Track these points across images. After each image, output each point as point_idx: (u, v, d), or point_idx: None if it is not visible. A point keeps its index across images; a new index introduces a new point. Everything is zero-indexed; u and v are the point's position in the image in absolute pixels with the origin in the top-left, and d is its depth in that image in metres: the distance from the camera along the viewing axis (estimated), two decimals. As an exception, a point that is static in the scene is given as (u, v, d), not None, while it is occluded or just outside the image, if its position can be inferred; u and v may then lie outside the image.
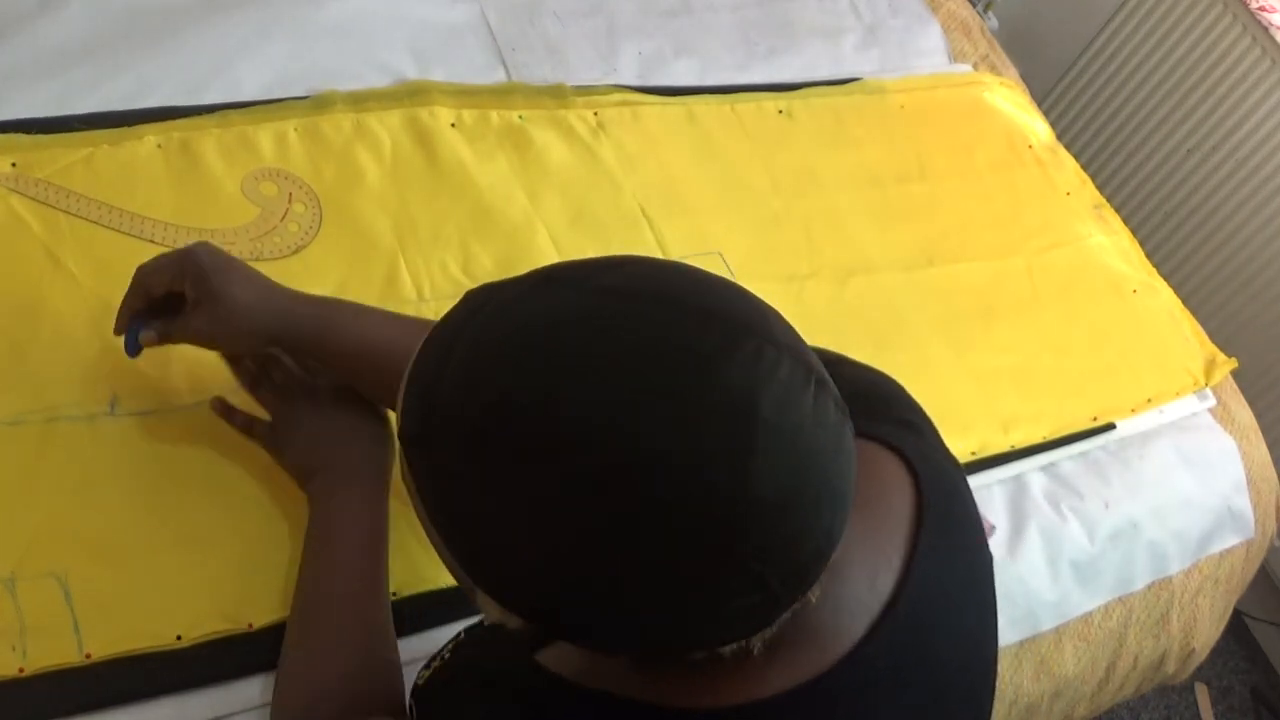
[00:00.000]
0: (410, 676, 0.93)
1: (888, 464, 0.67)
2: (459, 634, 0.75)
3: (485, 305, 0.54)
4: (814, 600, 0.54)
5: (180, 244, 1.08)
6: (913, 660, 0.61)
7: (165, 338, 0.92)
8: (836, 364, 0.73)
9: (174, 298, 0.90)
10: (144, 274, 0.91)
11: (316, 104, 1.24)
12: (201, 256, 0.89)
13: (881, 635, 0.59)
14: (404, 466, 0.55)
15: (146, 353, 0.93)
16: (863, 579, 0.60)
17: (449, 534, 0.54)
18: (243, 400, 1.00)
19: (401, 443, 0.55)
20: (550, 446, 0.49)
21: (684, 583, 0.49)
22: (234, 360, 0.99)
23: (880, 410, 0.72)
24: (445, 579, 0.98)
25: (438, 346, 0.54)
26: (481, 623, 0.75)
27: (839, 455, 0.52)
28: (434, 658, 0.74)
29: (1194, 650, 1.44)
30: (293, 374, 0.98)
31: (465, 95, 1.33)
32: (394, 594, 0.95)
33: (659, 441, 0.48)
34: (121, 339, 0.93)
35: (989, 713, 0.71)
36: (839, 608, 0.58)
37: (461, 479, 0.51)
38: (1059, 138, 1.73)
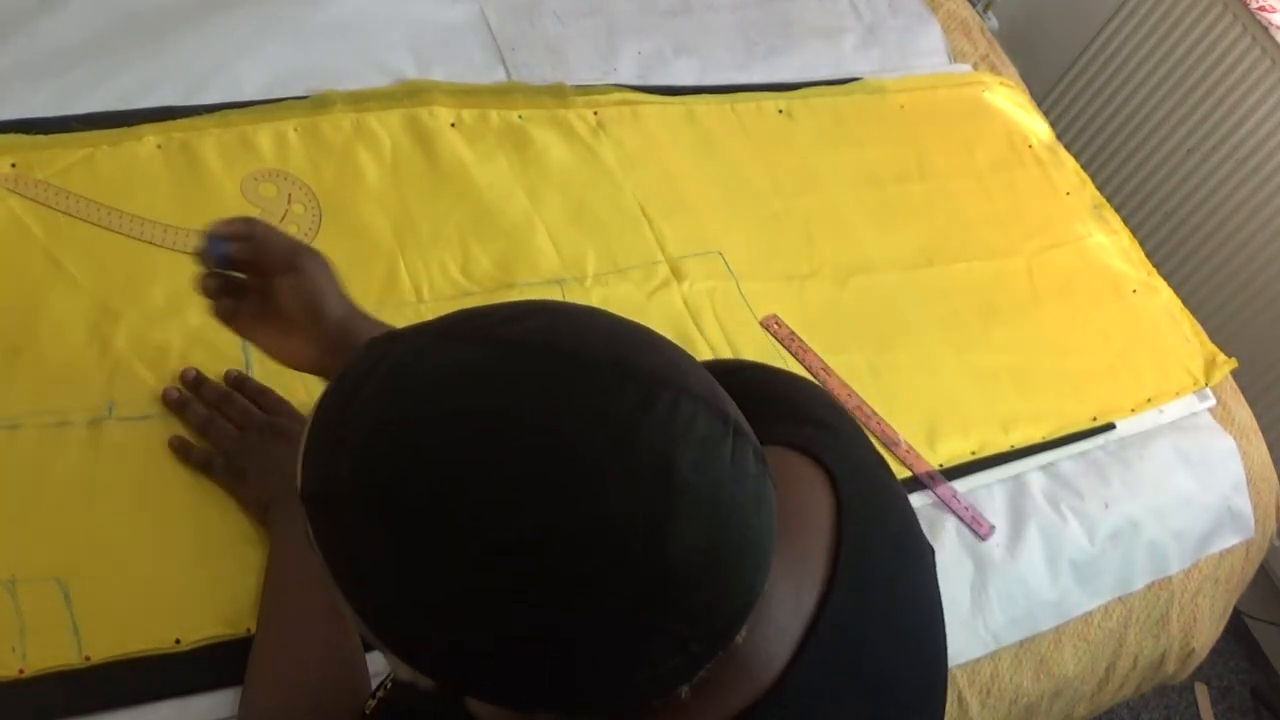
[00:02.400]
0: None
1: (801, 469, 0.64)
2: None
3: (382, 361, 0.51)
4: (740, 640, 0.52)
5: (180, 245, 1.08)
6: (846, 673, 0.59)
7: (234, 305, 0.88)
8: (737, 370, 0.72)
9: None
10: (263, 232, 0.87)
11: (316, 104, 1.24)
12: (312, 250, 0.89)
13: (809, 653, 0.57)
14: (305, 522, 0.53)
15: (147, 354, 0.93)
16: (787, 599, 0.57)
17: (350, 592, 0.51)
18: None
19: (302, 499, 0.52)
20: (448, 524, 0.46)
21: (597, 652, 0.47)
22: (181, 405, 0.97)
23: (787, 413, 0.69)
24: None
25: (335, 409, 0.51)
26: None
27: (760, 509, 0.49)
28: (379, 686, 0.73)
29: (1194, 650, 1.44)
30: (249, 411, 0.97)
31: (465, 95, 1.33)
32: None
33: (567, 518, 0.45)
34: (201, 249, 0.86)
35: (942, 709, 0.69)
36: (766, 636, 0.56)
37: (361, 543, 0.49)
38: (1059, 138, 1.73)
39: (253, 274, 0.87)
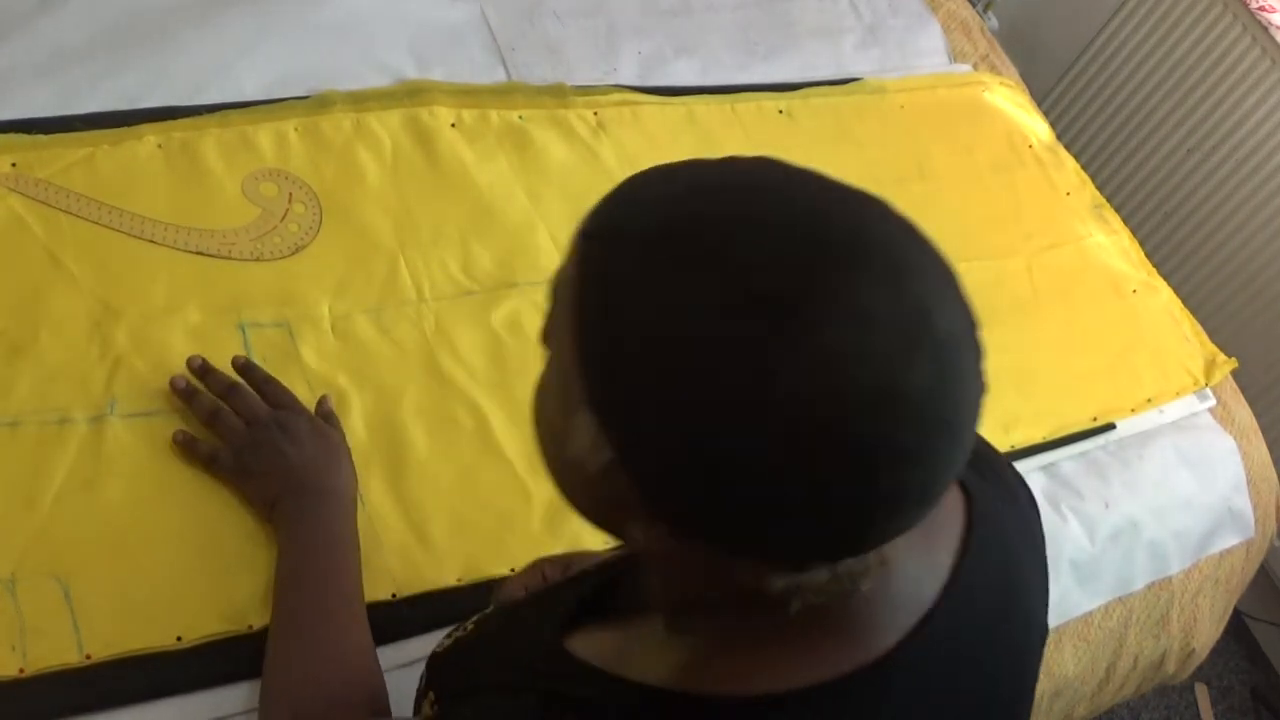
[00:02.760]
0: (410, 678, 0.94)
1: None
2: (488, 608, 0.74)
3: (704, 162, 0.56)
4: (864, 588, 0.53)
5: (181, 244, 1.08)
6: (950, 665, 0.60)
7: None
8: None
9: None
10: (505, 593, 0.89)
11: (317, 104, 1.24)
12: (555, 556, 0.92)
13: (923, 637, 0.58)
14: (567, 265, 0.53)
15: (148, 351, 0.94)
16: (909, 579, 0.58)
17: (592, 340, 0.50)
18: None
19: (584, 237, 0.53)
20: (723, 266, 0.48)
21: (808, 434, 0.46)
22: (189, 393, 0.98)
23: None
24: (445, 579, 0.98)
25: (661, 166, 0.56)
26: (515, 609, 0.74)
27: (974, 416, 0.51)
28: (456, 627, 0.73)
29: (1194, 650, 1.44)
30: (256, 406, 0.98)
31: (465, 95, 1.33)
32: (393, 595, 0.96)
33: (828, 287, 0.47)
34: None
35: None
36: (884, 604, 0.57)
37: (629, 282, 0.49)
38: (1059, 138, 1.73)
39: None
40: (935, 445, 0.49)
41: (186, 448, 0.95)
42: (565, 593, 0.71)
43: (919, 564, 0.59)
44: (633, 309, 0.49)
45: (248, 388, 0.99)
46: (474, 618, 0.73)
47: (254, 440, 0.95)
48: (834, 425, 0.46)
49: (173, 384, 0.98)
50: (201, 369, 0.99)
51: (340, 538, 0.91)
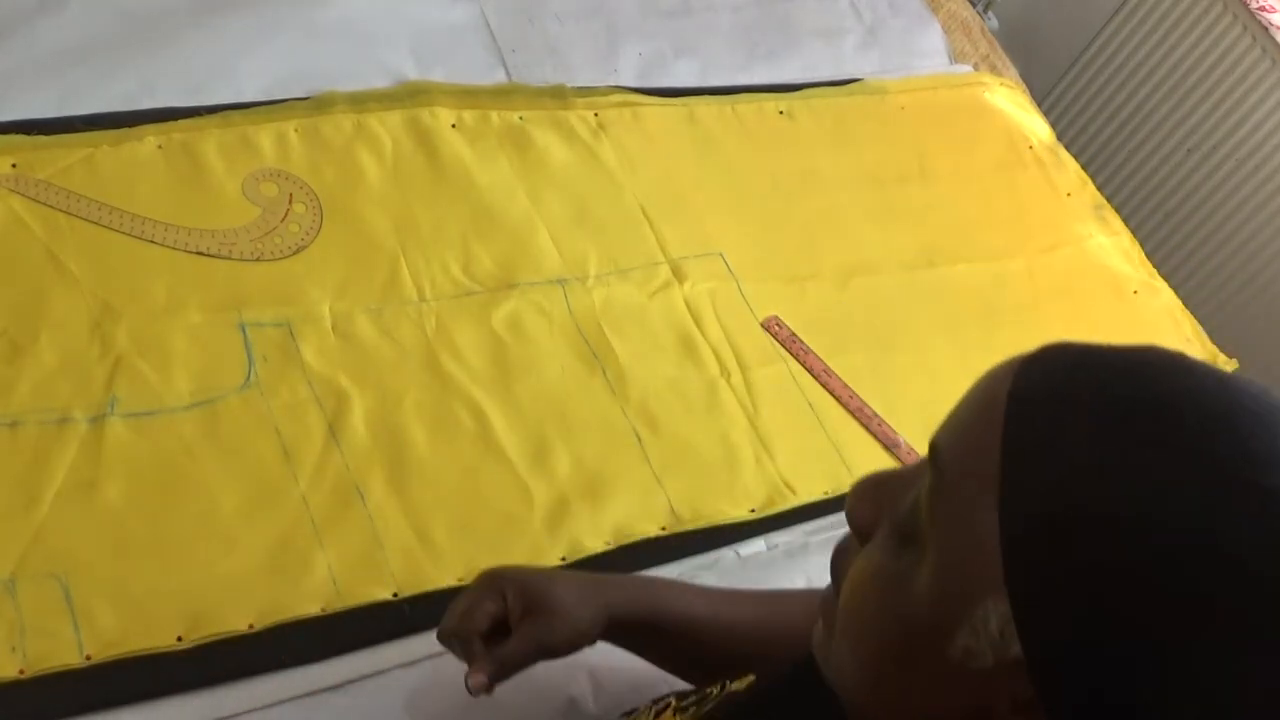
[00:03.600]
0: (412, 678, 0.93)
1: None
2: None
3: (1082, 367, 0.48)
4: None
5: (181, 244, 1.08)
6: None
7: (501, 671, 0.78)
8: None
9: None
10: (466, 616, 0.79)
11: (317, 104, 1.24)
12: (513, 572, 0.83)
13: None
14: (980, 433, 0.47)
15: (148, 351, 0.93)
16: None
17: (1023, 519, 0.45)
18: (245, 407, 1.00)
19: (1014, 400, 0.47)
20: (1212, 451, 0.42)
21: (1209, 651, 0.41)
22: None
23: None
24: (446, 579, 0.98)
25: (1044, 413, 0.47)
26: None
27: None
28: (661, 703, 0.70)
29: (1195, 651, 1.44)
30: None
31: (466, 96, 1.33)
32: (394, 594, 0.96)
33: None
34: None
35: None
36: None
37: (1093, 454, 0.43)
38: (1059, 138, 1.74)
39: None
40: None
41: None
42: None
43: None
44: (1094, 486, 0.43)
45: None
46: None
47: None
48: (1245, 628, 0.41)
49: None
50: None
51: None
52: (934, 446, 0.50)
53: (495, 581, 0.81)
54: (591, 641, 0.82)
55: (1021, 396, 0.47)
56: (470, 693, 0.76)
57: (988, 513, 0.45)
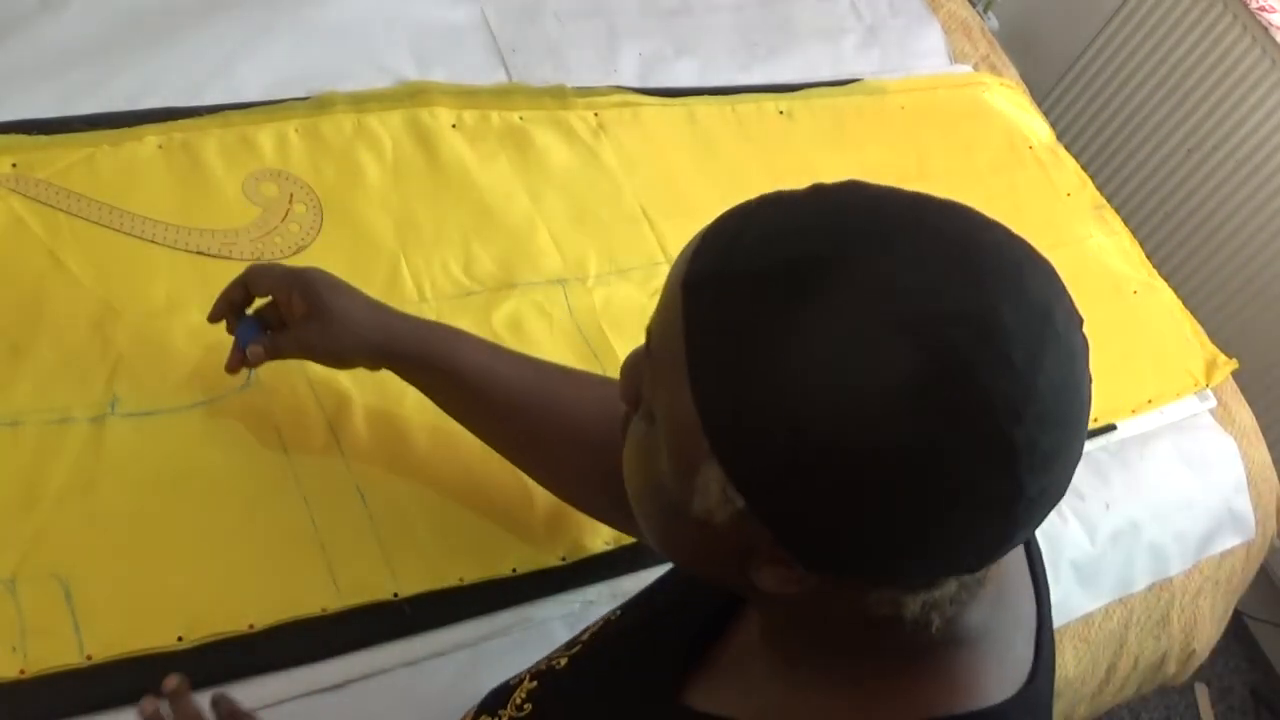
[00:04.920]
0: (413, 678, 0.93)
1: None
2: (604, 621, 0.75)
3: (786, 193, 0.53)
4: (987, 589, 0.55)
5: (182, 244, 1.09)
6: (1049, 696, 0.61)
7: (272, 352, 0.94)
8: None
9: (269, 312, 0.94)
10: (254, 272, 0.93)
11: (317, 104, 1.24)
12: (313, 272, 0.92)
13: (1021, 700, 0.60)
14: (669, 320, 0.51)
15: (149, 351, 0.93)
16: (1007, 646, 0.61)
17: (710, 393, 0.49)
18: (245, 407, 1.00)
19: (686, 288, 0.50)
20: (853, 295, 0.46)
21: (956, 448, 0.46)
22: None
23: None
24: (447, 578, 0.98)
25: (742, 206, 0.52)
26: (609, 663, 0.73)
27: (1089, 413, 0.50)
28: (574, 643, 0.74)
29: (1194, 651, 1.44)
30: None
31: (466, 96, 1.33)
32: (395, 594, 0.96)
33: (964, 302, 0.46)
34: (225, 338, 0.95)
35: None
36: (995, 657, 0.59)
37: (748, 326, 0.48)
38: (1059, 138, 1.74)
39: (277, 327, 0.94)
40: (1066, 444, 0.48)
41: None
42: (660, 652, 0.68)
43: (1012, 636, 0.62)
44: (760, 355, 0.47)
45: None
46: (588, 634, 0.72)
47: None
48: (981, 434, 0.46)
49: (142, 709, 0.79)
50: (174, 692, 0.82)
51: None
52: (647, 331, 0.54)
53: (295, 274, 0.91)
54: (372, 364, 0.94)
55: (691, 283, 0.50)
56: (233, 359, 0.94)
57: (685, 390, 0.50)
